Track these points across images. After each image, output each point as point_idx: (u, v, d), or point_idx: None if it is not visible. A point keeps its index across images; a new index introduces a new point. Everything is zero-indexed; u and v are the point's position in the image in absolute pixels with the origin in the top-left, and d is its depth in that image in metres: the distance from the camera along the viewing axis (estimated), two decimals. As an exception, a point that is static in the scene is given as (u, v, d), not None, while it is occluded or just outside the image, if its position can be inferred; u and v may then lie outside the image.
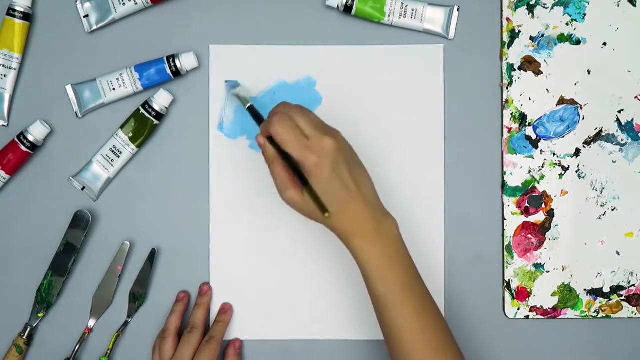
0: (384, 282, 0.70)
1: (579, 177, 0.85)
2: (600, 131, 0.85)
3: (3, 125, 0.84)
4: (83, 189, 0.83)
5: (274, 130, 0.69)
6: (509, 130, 0.84)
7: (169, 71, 0.82)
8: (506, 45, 0.84)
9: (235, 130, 0.84)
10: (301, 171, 0.68)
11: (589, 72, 0.84)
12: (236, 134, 0.84)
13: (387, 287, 0.70)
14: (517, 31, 0.84)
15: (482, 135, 0.85)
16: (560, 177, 0.84)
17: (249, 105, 0.78)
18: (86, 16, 0.83)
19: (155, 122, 0.82)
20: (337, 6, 0.83)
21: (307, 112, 0.71)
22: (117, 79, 0.82)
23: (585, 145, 0.85)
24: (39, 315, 0.83)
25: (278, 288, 0.84)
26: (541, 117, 0.84)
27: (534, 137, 0.84)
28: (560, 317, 0.85)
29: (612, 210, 0.84)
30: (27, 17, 0.82)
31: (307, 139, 0.68)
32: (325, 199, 0.68)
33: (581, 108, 0.84)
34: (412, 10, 0.82)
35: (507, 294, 0.84)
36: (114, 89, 0.82)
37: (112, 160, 0.83)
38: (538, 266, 0.84)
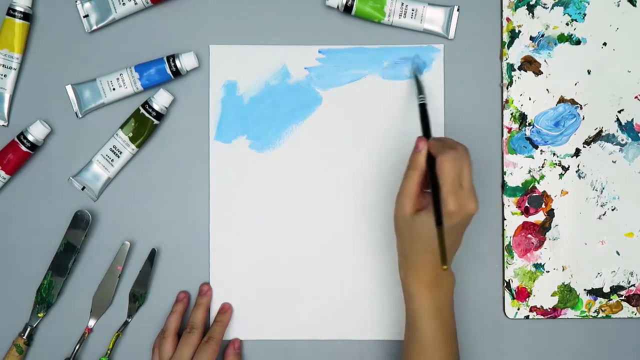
0: (432, 328, 0.73)
1: (579, 177, 0.85)
2: (600, 131, 0.85)
3: (3, 125, 0.84)
4: (83, 189, 0.83)
5: (445, 163, 0.69)
6: (509, 130, 0.84)
7: (169, 71, 0.82)
8: (506, 45, 0.84)
9: (230, 133, 0.84)
10: (440, 210, 0.68)
11: (589, 72, 0.84)
12: (231, 137, 0.84)
13: (433, 334, 0.73)
14: (517, 31, 0.84)
15: (482, 135, 0.85)
16: (560, 177, 0.84)
17: (422, 102, 0.78)
18: (86, 16, 0.83)
19: (155, 122, 0.82)
20: (337, 6, 0.83)
21: (472, 167, 0.71)
22: (117, 79, 0.82)
23: (585, 145, 0.85)
24: (39, 315, 0.83)
25: (278, 288, 0.84)
26: (534, 123, 0.84)
27: (533, 138, 0.84)
28: (560, 317, 0.85)
29: (612, 210, 0.84)
30: (27, 17, 0.82)
31: (460, 188, 0.69)
32: (424, 233, 0.70)
33: (581, 108, 0.84)
34: (412, 10, 0.82)
35: (507, 294, 0.84)
36: (114, 89, 0.82)
37: (112, 160, 0.83)
38: (538, 266, 0.84)
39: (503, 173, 0.84)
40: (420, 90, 0.80)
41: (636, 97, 0.85)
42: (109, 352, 0.83)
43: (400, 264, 0.74)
